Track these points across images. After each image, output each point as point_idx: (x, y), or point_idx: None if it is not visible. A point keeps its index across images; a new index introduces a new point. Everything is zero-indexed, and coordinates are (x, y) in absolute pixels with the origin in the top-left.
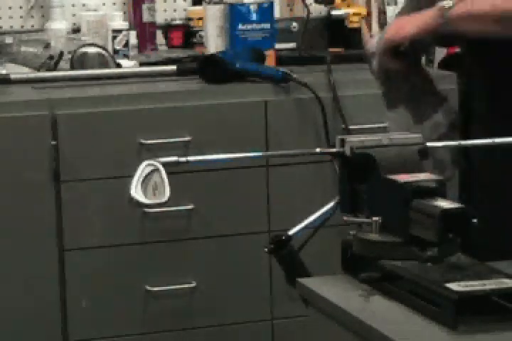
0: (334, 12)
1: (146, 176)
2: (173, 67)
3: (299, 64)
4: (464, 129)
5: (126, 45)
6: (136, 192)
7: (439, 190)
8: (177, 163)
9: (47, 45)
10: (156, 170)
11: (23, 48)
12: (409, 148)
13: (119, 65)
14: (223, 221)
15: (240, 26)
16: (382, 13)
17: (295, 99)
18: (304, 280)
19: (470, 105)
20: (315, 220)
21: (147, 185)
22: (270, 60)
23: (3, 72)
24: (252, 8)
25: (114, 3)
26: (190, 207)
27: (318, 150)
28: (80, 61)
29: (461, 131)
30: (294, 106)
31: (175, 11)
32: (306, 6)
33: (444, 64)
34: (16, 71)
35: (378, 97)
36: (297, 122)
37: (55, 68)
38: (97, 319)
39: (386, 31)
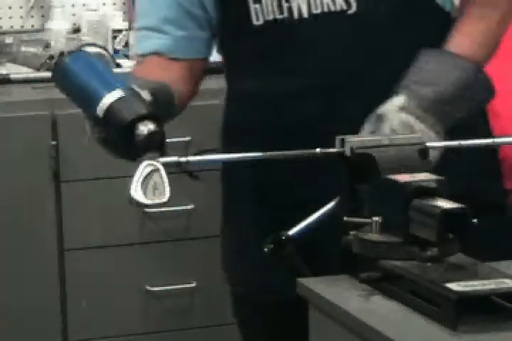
0: None
1: (146, 176)
2: None
3: None
4: None
5: (126, 45)
6: (136, 192)
7: (439, 190)
8: (177, 163)
9: (47, 45)
10: (156, 170)
11: (23, 48)
12: (409, 148)
13: (119, 65)
14: None
15: None
16: None
17: None
18: (304, 280)
19: None
20: (315, 220)
21: (147, 185)
22: None
23: (3, 72)
24: None
25: (114, 3)
26: (190, 207)
27: (318, 150)
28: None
29: None
30: None
31: None
32: None
33: None
34: (16, 71)
35: None
36: None
37: None
38: (97, 319)
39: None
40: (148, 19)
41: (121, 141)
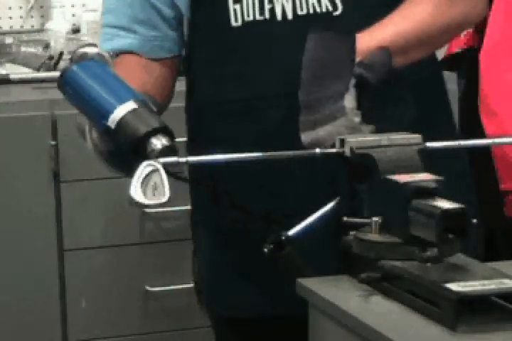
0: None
1: (146, 176)
2: None
3: None
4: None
5: None
6: (136, 192)
7: (439, 190)
8: (177, 163)
9: (47, 45)
10: (156, 170)
11: (23, 48)
12: (409, 148)
13: None
14: None
15: None
16: None
17: None
18: (304, 281)
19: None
20: (315, 220)
21: (147, 185)
22: None
23: (3, 72)
24: None
25: None
26: (190, 207)
27: (318, 150)
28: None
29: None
30: None
31: None
32: None
33: (445, 64)
34: (16, 71)
35: None
36: None
37: (55, 68)
38: (97, 319)
39: None
40: (116, 17)
41: (131, 154)
